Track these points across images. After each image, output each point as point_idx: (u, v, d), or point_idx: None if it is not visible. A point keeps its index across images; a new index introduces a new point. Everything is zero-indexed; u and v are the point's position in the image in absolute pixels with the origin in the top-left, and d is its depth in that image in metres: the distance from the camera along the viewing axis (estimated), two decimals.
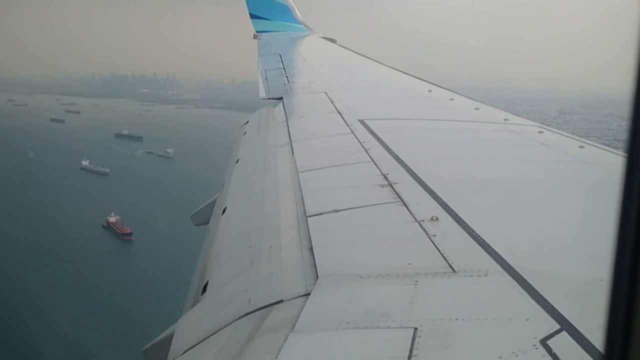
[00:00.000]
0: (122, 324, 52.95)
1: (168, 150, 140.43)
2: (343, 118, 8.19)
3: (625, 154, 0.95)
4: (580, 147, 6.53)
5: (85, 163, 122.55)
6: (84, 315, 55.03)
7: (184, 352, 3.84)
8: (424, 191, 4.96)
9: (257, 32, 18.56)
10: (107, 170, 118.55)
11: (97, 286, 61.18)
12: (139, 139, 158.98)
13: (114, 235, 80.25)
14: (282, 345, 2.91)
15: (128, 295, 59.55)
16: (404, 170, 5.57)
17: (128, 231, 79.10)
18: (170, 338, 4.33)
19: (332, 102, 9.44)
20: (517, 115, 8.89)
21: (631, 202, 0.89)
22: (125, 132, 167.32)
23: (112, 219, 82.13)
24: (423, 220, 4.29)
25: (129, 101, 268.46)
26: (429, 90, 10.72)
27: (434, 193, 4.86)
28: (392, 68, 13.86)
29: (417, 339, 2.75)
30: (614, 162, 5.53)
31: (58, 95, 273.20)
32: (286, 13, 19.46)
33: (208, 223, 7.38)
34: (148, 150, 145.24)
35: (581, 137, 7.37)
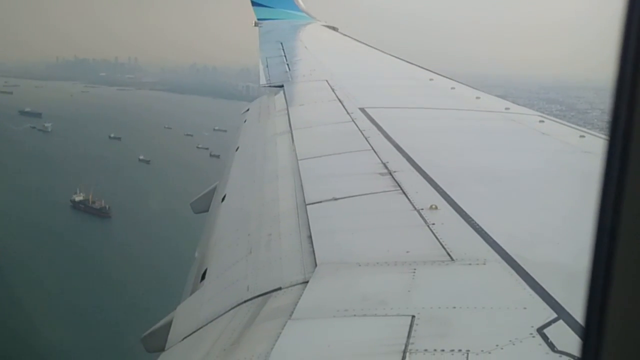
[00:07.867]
0: None
1: (46, 125, 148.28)
2: (344, 106, 8.16)
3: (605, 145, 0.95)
4: (581, 136, 6.48)
5: None
6: None
7: (183, 339, 3.85)
8: (423, 180, 4.94)
9: (258, 19, 18.35)
10: None
11: None
12: (38, 115, 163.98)
13: None
14: (280, 333, 2.91)
15: None
16: (404, 159, 5.55)
17: None
18: (168, 325, 4.34)
19: (333, 90, 9.38)
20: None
21: (608, 191, 0.94)
22: (27, 109, 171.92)
23: None
24: (422, 209, 4.27)
25: (76, 83, 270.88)
26: (430, 79, 10.73)
27: (434, 182, 4.84)
28: (394, 56, 13.79)
29: (414, 327, 2.74)
30: None
31: (8, 77, 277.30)
32: (288, 1, 19.30)
33: (207, 211, 7.47)
34: (32, 125, 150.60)
35: None
